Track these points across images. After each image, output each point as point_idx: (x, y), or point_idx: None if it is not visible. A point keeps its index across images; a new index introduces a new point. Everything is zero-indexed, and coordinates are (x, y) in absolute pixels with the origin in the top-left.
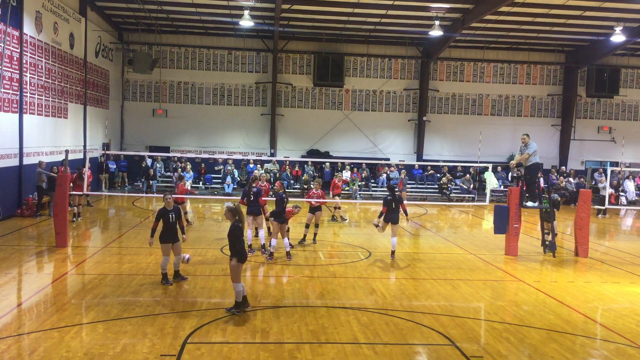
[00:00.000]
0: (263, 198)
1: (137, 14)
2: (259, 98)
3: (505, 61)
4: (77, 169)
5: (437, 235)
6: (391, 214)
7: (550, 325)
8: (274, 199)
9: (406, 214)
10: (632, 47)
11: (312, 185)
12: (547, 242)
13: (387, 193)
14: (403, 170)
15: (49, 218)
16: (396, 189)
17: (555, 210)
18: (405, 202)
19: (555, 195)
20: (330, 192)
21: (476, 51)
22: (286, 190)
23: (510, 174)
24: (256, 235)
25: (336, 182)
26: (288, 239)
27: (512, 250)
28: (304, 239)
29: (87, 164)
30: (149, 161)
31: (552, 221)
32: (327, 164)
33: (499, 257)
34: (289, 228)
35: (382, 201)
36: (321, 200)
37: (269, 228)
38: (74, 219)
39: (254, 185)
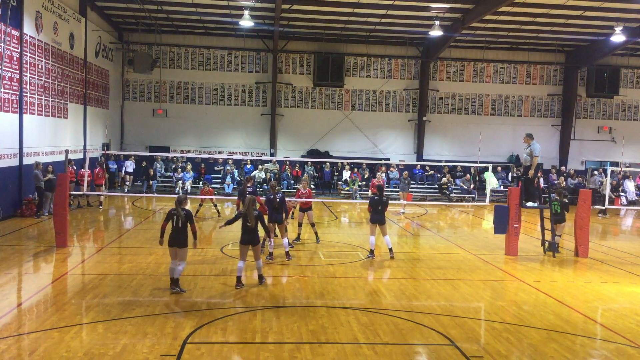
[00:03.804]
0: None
1: (137, 14)
2: (259, 98)
3: (505, 61)
4: (97, 164)
5: (437, 235)
6: (376, 215)
7: (550, 325)
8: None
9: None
10: (632, 47)
11: (299, 185)
12: (546, 242)
13: (375, 193)
14: (405, 172)
15: (49, 218)
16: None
17: (565, 212)
18: (407, 202)
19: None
20: (370, 191)
21: (476, 51)
22: (275, 190)
23: (510, 174)
24: None
25: (374, 182)
26: (287, 239)
27: (512, 250)
28: (298, 238)
29: (85, 164)
30: (131, 164)
31: (554, 224)
32: (327, 164)
33: (499, 257)
34: (286, 228)
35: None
36: (310, 200)
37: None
38: (100, 207)
39: (248, 184)
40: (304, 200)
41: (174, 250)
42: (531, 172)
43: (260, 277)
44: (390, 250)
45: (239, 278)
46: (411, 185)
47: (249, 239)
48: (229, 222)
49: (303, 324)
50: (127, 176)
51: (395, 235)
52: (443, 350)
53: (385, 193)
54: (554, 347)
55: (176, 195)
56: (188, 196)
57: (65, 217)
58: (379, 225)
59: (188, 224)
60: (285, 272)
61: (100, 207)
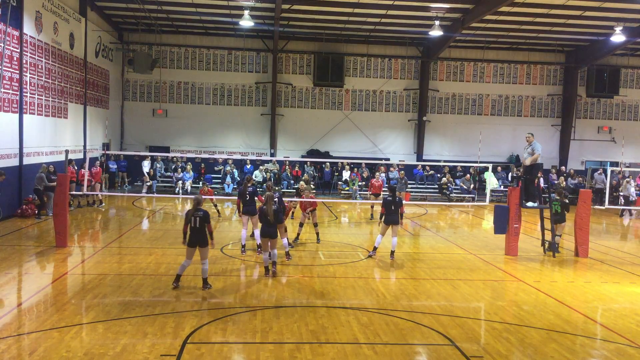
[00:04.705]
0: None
1: (137, 14)
2: (259, 98)
3: (505, 61)
4: (96, 164)
5: (437, 235)
6: (390, 215)
7: (550, 325)
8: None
9: (401, 217)
10: (632, 47)
11: (301, 193)
12: (546, 242)
13: (387, 194)
14: (402, 172)
15: (49, 218)
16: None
17: (565, 212)
18: (406, 202)
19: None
20: (368, 192)
21: (476, 51)
22: (272, 190)
23: (510, 174)
24: (252, 235)
25: (373, 182)
26: (287, 239)
27: (512, 250)
28: (297, 238)
29: (86, 164)
30: (148, 164)
31: (554, 224)
32: (327, 164)
33: (499, 257)
34: (286, 228)
35: (381, 201)
36: (314, 201)
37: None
38: (100, 206)
39: (249, 185)
40: (308, 200)
41: (193, 250)
42: (530, 160)
43: (267, 269)
44: (392, 253)
45: (267, 268)
46: (410, 186)
47: (268, 231)
48: None
49: (303, 324)
50: (147, 176)
51: (395, 235)
52: (443, 350)
53: (385, 193)
54: (554, 347)
55: (176, 196)
56: (189, 197)
57: (65, 217)
58: (392, 225)
59: (205, 224)
60: (286, 272)
61: (101, 206)
